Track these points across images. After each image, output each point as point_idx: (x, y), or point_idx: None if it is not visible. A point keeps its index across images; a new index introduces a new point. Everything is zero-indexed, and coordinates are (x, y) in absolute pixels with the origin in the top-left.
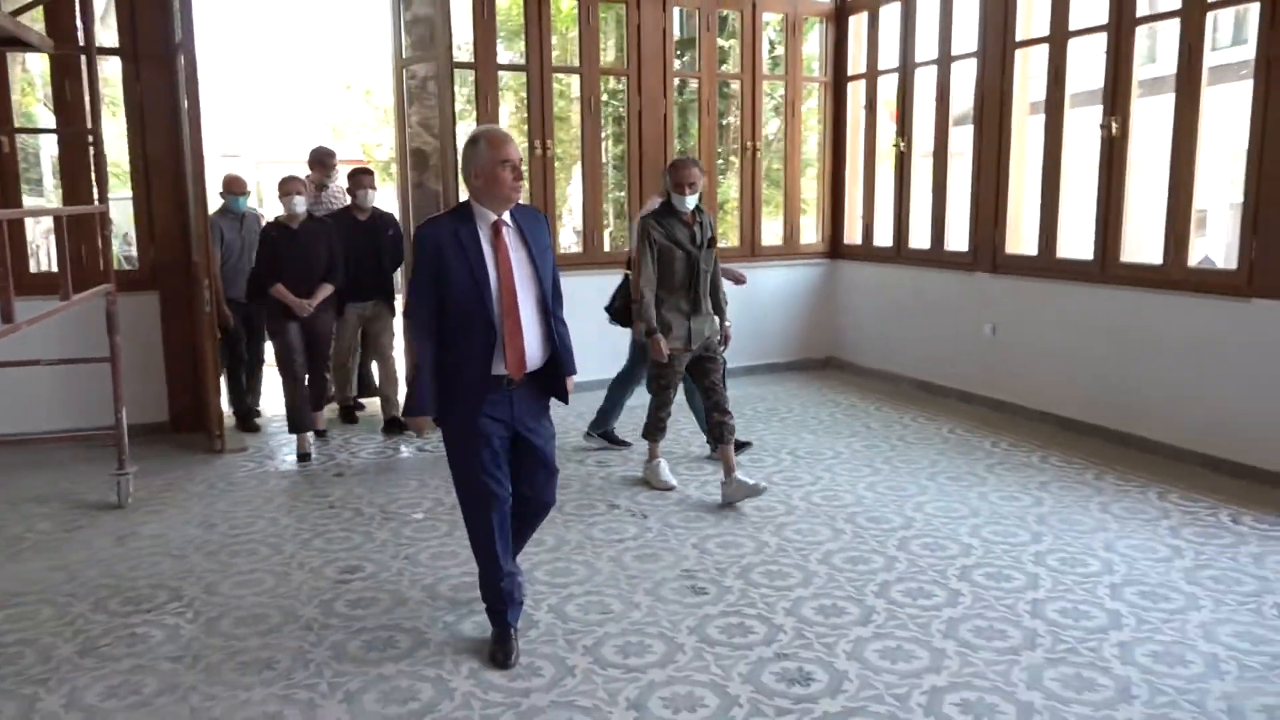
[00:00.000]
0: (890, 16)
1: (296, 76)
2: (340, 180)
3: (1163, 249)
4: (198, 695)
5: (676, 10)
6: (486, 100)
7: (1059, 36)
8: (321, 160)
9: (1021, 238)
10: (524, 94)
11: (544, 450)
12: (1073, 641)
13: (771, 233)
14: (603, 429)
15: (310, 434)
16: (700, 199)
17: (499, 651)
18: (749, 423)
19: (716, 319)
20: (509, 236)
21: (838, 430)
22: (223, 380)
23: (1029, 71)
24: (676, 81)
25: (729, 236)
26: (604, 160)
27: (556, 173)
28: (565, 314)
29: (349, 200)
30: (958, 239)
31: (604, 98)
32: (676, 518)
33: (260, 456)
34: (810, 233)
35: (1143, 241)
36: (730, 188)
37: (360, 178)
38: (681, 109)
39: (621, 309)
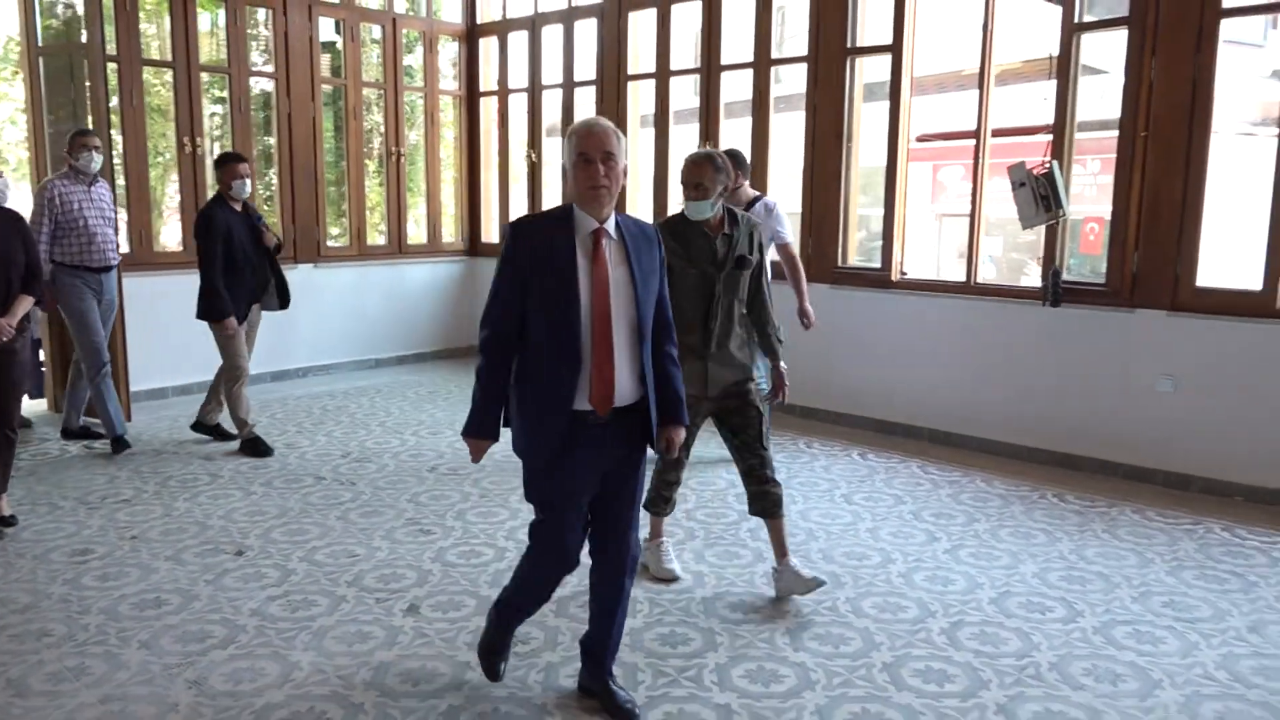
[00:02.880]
0: (518, 42)
1: None
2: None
3: None
4: None
5: (323, 19)
6: (131, 96)
7: (663, 74)
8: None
9: None
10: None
11: (632, 495)
12: (720, 530)
13: (416, 232)
14: None
15: None
16: (719, 204)
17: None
18: (416, 404)
19: (749, 361)
20: (610, 250)
21: None
22: None
23: (639, 96)
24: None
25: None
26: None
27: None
28: None
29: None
30: None
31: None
32: (384, 482)
33: None
34: (450, 232)
35: None
36: (378, 190)
37: (236, 166)
38: (331, 113)
39: None
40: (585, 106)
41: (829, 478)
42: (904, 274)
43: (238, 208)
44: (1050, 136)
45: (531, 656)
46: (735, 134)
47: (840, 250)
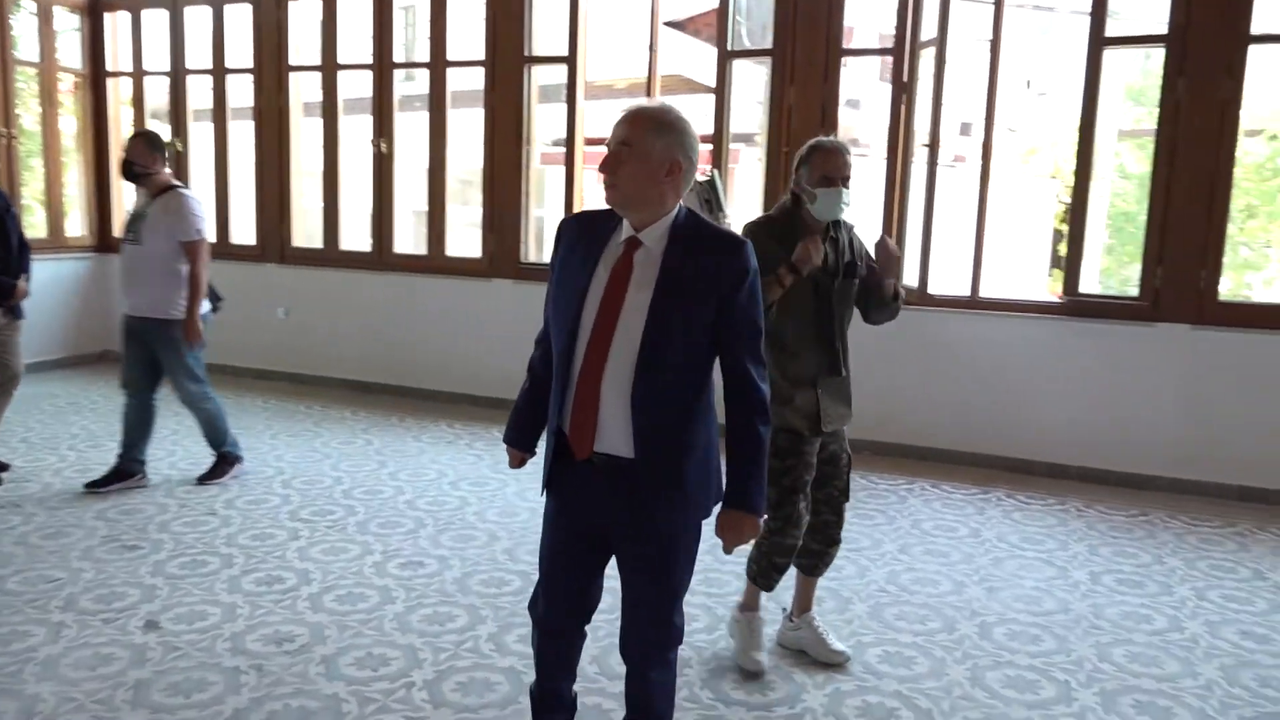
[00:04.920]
0: (156, 20)
1: None
2: None
3: (427, 242)
4: None
5: None
6: None
7: (329, 67)
8: None
9: (307, 232)
10: None
11: (650, 570)
12: (447, 516)
13: (34, 225)
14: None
15: None
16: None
17: None
18: (58, 417)
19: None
20: (642, 264)
21: (165, 412)
22: None
23: (301, 87)
24: None
25: None
26: None
27: None
28: None
29: None
30: (244, 233)
31: None
32: (57, 502)
33: None
34: (77, 226)
35: (409, 236)
36: None
37: None
38: None
39: None
40: (241, 94)
41: (533, 462)
42: None
43: None
44: (710, 147)
45: (304, 652)
46: (411, 128)
47: (523, 247)
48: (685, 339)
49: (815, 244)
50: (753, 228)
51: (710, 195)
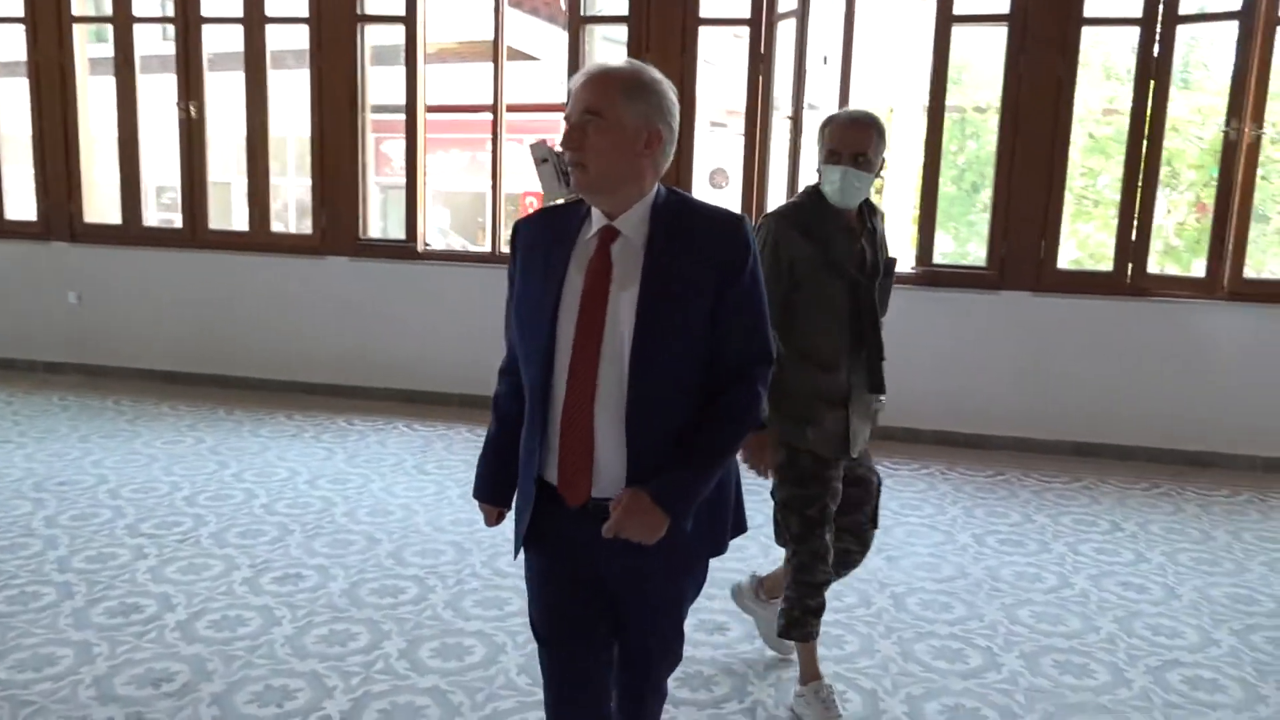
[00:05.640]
0: None
1: None
2: None
3: (249, 218)
4: None
5: None
6: None
7: (123, 19)
8: None
9: (101, 207)
10: None
11: (651, 620)
12: (313, 519)
13: None
14: None
15: None
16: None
17: None
18: None
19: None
20: (622, 257)
21: None
22: None
23: (89, 40)
24: None
25: None
26: None
27: None
28: None
29: None
30: (23, 208)
31: None
32: None
33: None
34: None
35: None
36: None
37: None
38: None
39: None
40: (13, 48)
41: (391, 452)
42: (428, 245)
43: None
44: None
45: (189, 692)
46: (222, 90)
47: (361, 222)
48: (683, 342)
49: (759, 451)
50: (774, 219)
51: (566, 166)
